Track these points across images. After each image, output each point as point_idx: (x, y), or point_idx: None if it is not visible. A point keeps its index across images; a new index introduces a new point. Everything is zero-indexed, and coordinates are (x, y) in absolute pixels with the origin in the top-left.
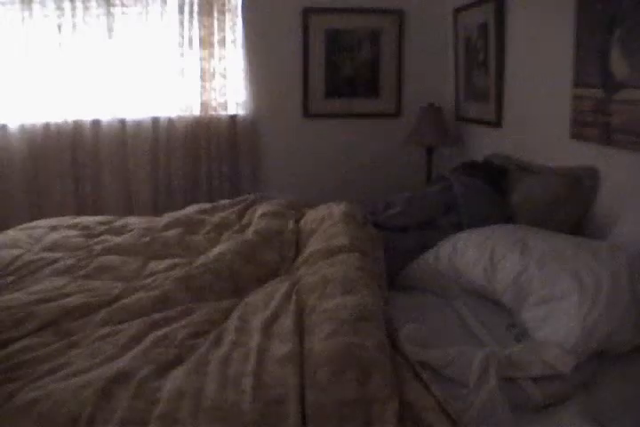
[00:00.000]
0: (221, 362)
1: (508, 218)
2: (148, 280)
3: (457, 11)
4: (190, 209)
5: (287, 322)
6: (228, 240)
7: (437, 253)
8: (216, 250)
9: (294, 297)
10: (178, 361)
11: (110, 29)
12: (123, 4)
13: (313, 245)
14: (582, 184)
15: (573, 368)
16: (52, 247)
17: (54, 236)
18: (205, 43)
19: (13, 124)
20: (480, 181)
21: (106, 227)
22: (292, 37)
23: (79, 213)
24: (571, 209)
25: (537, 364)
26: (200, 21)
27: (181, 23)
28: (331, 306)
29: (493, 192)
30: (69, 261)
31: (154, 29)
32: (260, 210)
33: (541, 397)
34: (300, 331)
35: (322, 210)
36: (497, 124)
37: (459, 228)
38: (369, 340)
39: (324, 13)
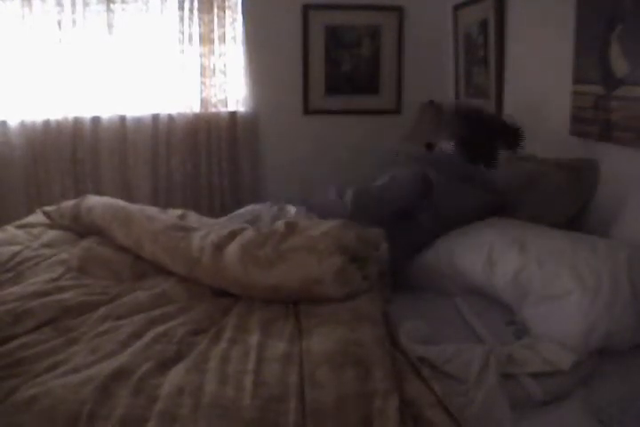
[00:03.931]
0: (221, 360)
1: (499, 206)
2: (148, 281)
3: (457, 7)
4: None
5: (286, 322)
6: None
7: (436, 252)
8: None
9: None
10: (177, 358)
11: (110, 26)
12: (123, 1)
13: None
14: (583, 175)
15: (573, 365)
16: (51, 244)
17: (53, 233)
18: (205, 39)
19: (13, 121)
20: (463, 158)
21: None
22: (292, 34)
23: None
24: (571, 200)
25: (537, 361)
26: (200, 18)
27: (181, 19)
28: (329, 309)
29: (480, 174)
30: (63, 255)
31: (154, 26)
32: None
33: (541, 394)
34: (299, 331)
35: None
36: None
37: (436, 219)
38: (366, 335)
39: (323, 10)
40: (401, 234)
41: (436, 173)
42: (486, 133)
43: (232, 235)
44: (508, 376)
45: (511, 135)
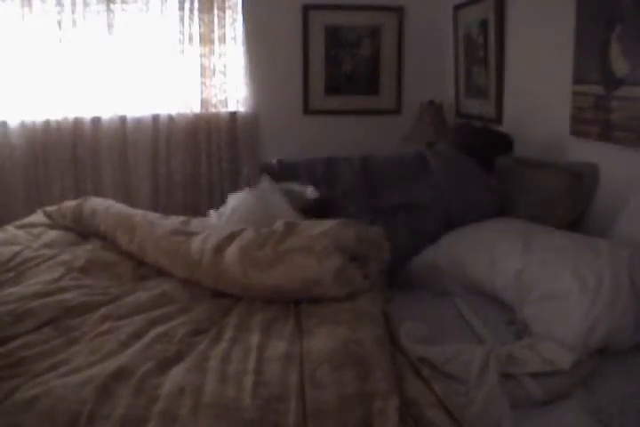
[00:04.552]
0: (221, 359)
1: (500, 205)
2: (149, 283)
3: (457, 7)
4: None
5: (286, 323)
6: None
7: (438, 249)
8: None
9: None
10: (178, 358)
11: (110, 26)
12: (123, 1)
13: None
14: (583, 179)
15: (573, 365)
16: (52, 244)
17: (53, 233)
18: (205, 39)
19: (13, 121)
20: (469, 158)
21: None
22: (292, 34)
23: None
24: (571, 204)
25: (537, 360)
26: (200, 18)
27: (181, 20)
28: (330, 309)
29: (483, 174)
30: (65, 256)
31: (154, 26)
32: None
33: (541, 393)
34: (300, 331)
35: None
36: (497, 120)
37: (443, 218)
38: (366, 335)
39: (323, 10)
40: (402, 229)
41: (444, 168)
42: (484, 142)
43: (231, 236)
44: (508, 376)
45: (504, 144)
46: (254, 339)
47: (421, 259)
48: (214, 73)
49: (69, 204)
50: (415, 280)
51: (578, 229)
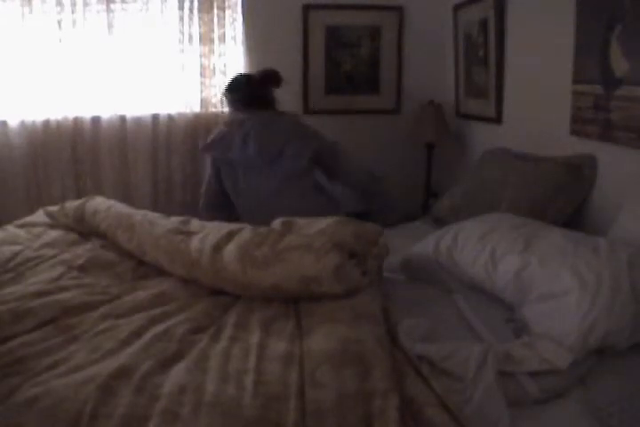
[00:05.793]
0: (221, 358)
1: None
2: (149, 282)
3: (457, 7)
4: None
5: (286, 321)
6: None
7: (437, 244)
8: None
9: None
10: (178, 357)
11: (110, 25)
12: (123, 1)
13: None
14: (581, 171)
15: (571, 364)
16: (52, 244)
17: (54, 233)
18: (205, 39)
19: (13, 121)
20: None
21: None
22: (292, 34)
23: None
24: (569, 196)
25: (534, 359)
26: (200, 18)
27: (181, 19)
28: (330, 307)
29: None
30: (65, 256)
31: (154, 26)
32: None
33: (538, 392)
34: (299, 330)
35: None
36: (497, 120)
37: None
38: (367, 334)
39: (323, 10)
40: None
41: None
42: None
43: (230, 235)
44: (506, 374)
45: (274, 79)
46: (254, 338)
47: (420, 254)
48: (214, 72)
49: (73, 203)
50: (414, 274)
51: (578, 228)
